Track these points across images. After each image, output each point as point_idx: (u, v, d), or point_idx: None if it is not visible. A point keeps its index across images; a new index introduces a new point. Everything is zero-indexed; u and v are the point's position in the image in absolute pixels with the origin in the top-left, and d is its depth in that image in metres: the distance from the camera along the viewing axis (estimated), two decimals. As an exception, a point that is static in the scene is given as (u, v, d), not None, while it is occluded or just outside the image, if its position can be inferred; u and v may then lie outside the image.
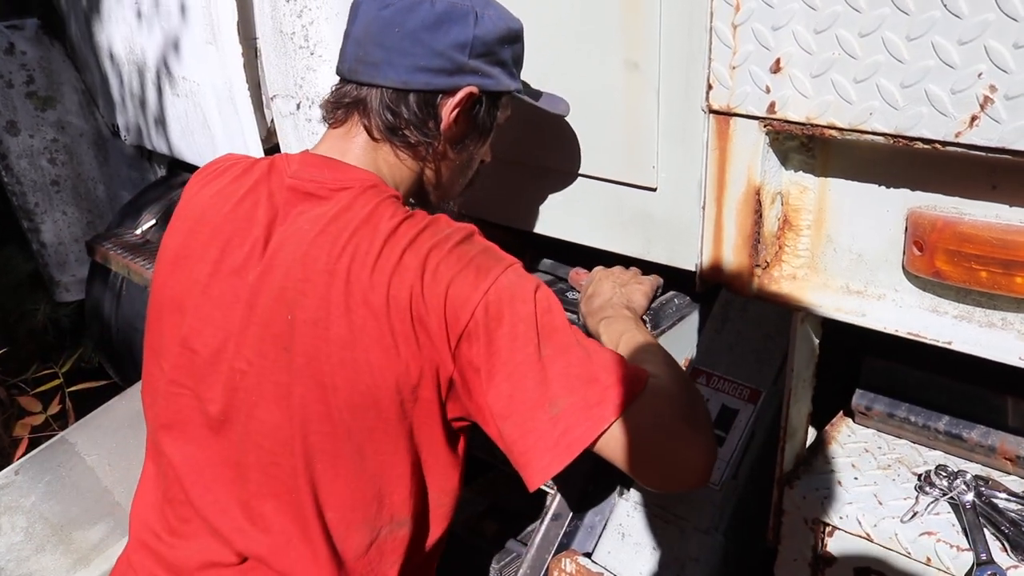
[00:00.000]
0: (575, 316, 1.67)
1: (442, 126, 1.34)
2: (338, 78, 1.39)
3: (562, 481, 1.79)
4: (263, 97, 2.35)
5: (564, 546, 1.74)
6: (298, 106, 2.25)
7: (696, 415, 1.25)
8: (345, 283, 1.20)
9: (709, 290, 1.61)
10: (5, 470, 2.49)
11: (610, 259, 1.84)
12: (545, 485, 1.92)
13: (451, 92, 1.32)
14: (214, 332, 1.29)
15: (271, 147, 2.38)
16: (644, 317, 1.67)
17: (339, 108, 1.36)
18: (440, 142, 1.36)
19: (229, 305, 1.28)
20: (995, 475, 1.34)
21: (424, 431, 1.26)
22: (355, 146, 1.34)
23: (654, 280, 1.73)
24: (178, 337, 1.32)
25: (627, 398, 1.16)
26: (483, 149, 1.47)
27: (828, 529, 1.32)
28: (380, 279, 1.19)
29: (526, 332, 1.18)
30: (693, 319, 1.83)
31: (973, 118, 1.02)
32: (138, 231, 3.09)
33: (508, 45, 1.39)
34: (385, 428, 1.23)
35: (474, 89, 1.33)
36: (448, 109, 1.33)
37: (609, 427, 1.15)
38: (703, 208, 1.30)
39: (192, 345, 1.31)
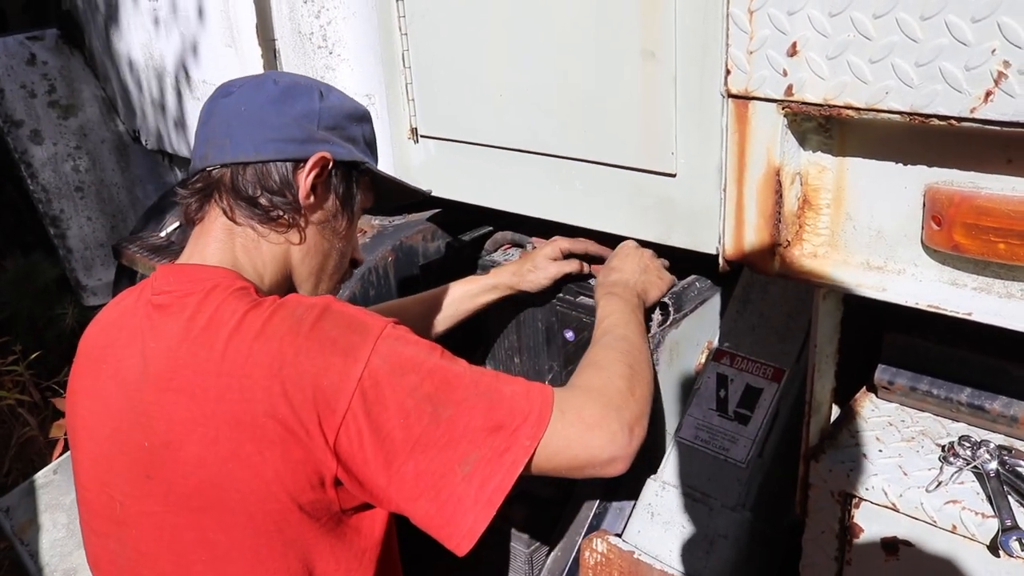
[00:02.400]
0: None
1: (300, 195, 1.29)
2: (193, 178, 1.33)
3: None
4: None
5: (594, 527, 1.77)
6: (319, 105, 2.29)
7: (622, 415, 1.26)
8: (189, 398, 1.13)
9: (731, 273, 1.64)
10: (44, 470, 2.55)
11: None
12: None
13: (303, 161, 1.29)
14: (92, 468, 1.25)
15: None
16: (660, 311, 1.71)
17: (193, 198, 1.30)
18: (301, 215, 1.31)
19: (102, 439, 1.23)
20: (1018, 444, 1.36)
21: (316, 537, 1.18)
22: (212, 239, 1.28)
23: (671, 280, 1.78)
24: (77, 478, 1.30)
25: (536, 432, 1.15)
26: (352, 231, 1.42)
27: (855, 501, 1.35)
28: (228, 384, 1.11)
29: (417, 405, 1.11)
30: (715, 302, 1.86)
31: (988, 93, 1.04)
32: (162, 233, 3.14)
33: (357, 123, 1.38)
34: (270, 545, 1.16)
35: (326, 154, 1.29)
36: (303, 175, 1.28)
37: (525, 465, 1.14)
38: (724, 190, 1.33)
39: (82, 481, 1.28)
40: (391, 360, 1.12)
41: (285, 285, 1.34)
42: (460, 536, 1.12)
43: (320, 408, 1.09)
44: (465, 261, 2.21)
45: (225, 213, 1.28)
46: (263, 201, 1.27)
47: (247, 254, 1.29)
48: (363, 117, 1.41)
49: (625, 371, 1.36)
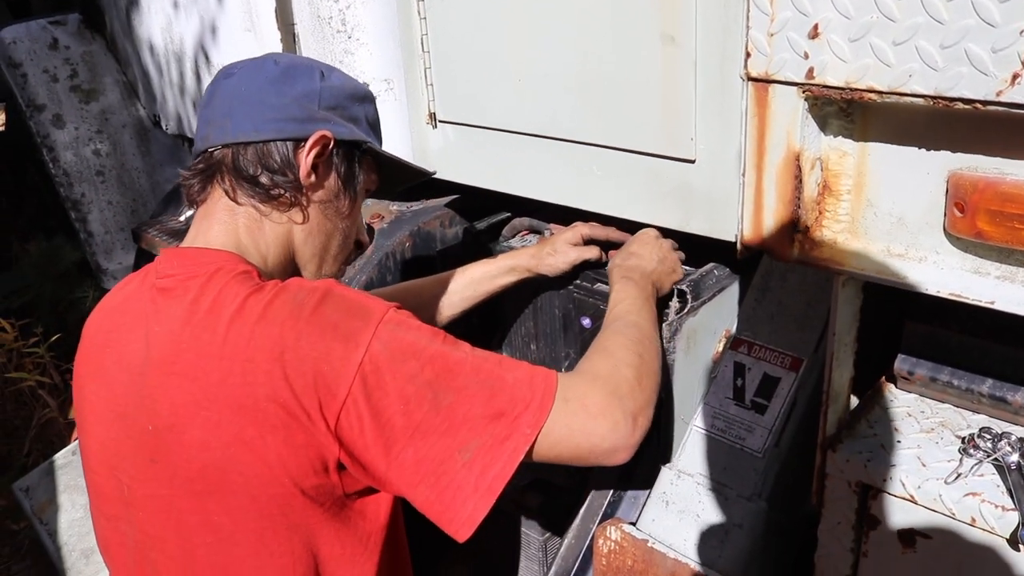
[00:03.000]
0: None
1: (301, 174, 1.27)
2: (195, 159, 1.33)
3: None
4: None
5: (608, 515, 1.76)
6: (337, 90, 2.29)
7: (625, 404, 1.24)
8: (192, 381, 1.13)
9: (749, 260, 1.62)
10: (63, 451, 2.57)
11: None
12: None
13: (304, 140, 1.27)
14: (100, 452, 1.26)
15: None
16: (678, 298, 1.71)
17: (196, 179, 1.29)
18: (303, 194, 1.30)
19: (108, 423, 1.23)
20: (1040, 437, 1.34)
21: (321, 521, 1.19)
22: (215, 221, 1.28)
23: (680, 274, 1.77)
24: (85, 462, 1.31)
25: (537, 420, 1.14)
26: (355, 213, 1.40)
27: (872, 492, 1.33)
28: (230, 368, 1.11)
29: (418, 392, 1.11)
30: (733, 290, 1.84)
31: (1015, 76, 1.02)
32: (181, 218, 3.15)
33: (359, 103, 1.37)
34: (274, 529, 1.16)
35: (327, 133, 1.28)
36: (304, 155, 1.27)
37: (527, 453, 1.13)
38: (743, 175, 1.32)
39: (91, 465, 1.29)
40: (392, 346, 1.12)
41: (288, 267, 1.34)
42: (460, 523, 1.12)
43: (321, 393, 1.09)
44: (482, 247, 2.20)
45: (227, 193, 1.27)
46: (264, 180, 1.26)
47: (250, 235, 1.28)
48: (365, 97, 1.40)
49: (634, 359, 1.34)
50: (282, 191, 1.28)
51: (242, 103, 1.26)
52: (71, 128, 3.47)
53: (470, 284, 1.87)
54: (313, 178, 1.29)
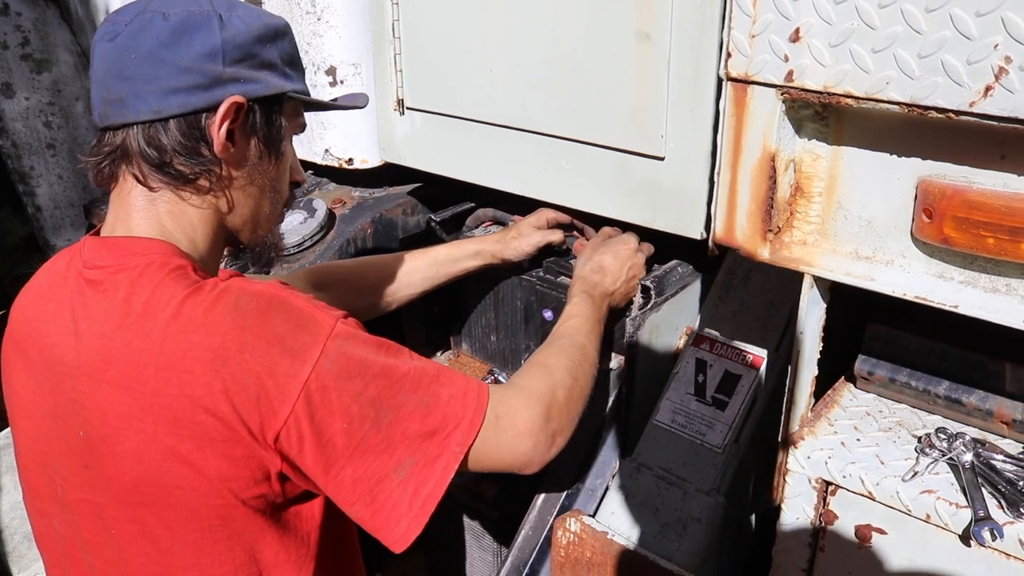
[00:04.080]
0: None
1: (216, 148, 1.16)
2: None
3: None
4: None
5: (566, 508, 1.77)
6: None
7: (551, 425, 1.27)
8: (125, 390, 1.06)
9: (712, 259, 1.65)
10: (5, 431, 2.50)
11: (613, 225, 1.87)
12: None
13: (213, 109, 1.14)
14: (32, 446, 1.21)
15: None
16: (642, 293, 1.73)
17: (103, 163, 1.17)
18: (221, 167, 1.18)
19: (39, 418, 1.17)
20: (992, 438, 1.39)
21: (262, 528, 1.16)
22: (134, 208, 1.17)
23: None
24: (17, 455, 1.26)
25: (466, 438, 1.15)
26: (283, 165, 1.29)
27: (831, 488, 1.36)
28: (166, 379, 1.05)
29: (361, 410, 1.08)
30: (696, 287, 1.86)
31: (987, 88, 1.05)
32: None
33: (270, 43, 1.21)
34: (214, 539, 1.13)
35: (239, 99, 1.15)
36: (215, 128, 1.14)
37: (459, 466, 1.14)
38: (718, 174, 1.33)
39: (23, 460, 1.24)
40: (339, 363, 1.08)
41: (221, 242, 1.26)
42: (395, 539, 1.12)
43: (263, 408, 1.04)
44: (445, 237, 2.20)
45: (138, 180, 1.16)
46: (177, 164, 1.15)
47: (174, 219, 1.18)
48: (277, 33, 1.23)
49: (569, 381, 1.37)
50: (198, 171, 1.17)
51: (134, 74, 1.11)
52: (21, 98, 3.37)
53: (433, 264, 1.86)
54: (231, 149, 1.18)
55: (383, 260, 1.87)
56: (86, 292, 1.13)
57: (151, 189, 1.16)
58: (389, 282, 1.81)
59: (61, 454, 1.16)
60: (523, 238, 1.87)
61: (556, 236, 1.89)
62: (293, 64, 1.27)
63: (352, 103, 1.42)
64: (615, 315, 1.76)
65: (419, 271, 1.85)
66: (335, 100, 1.42)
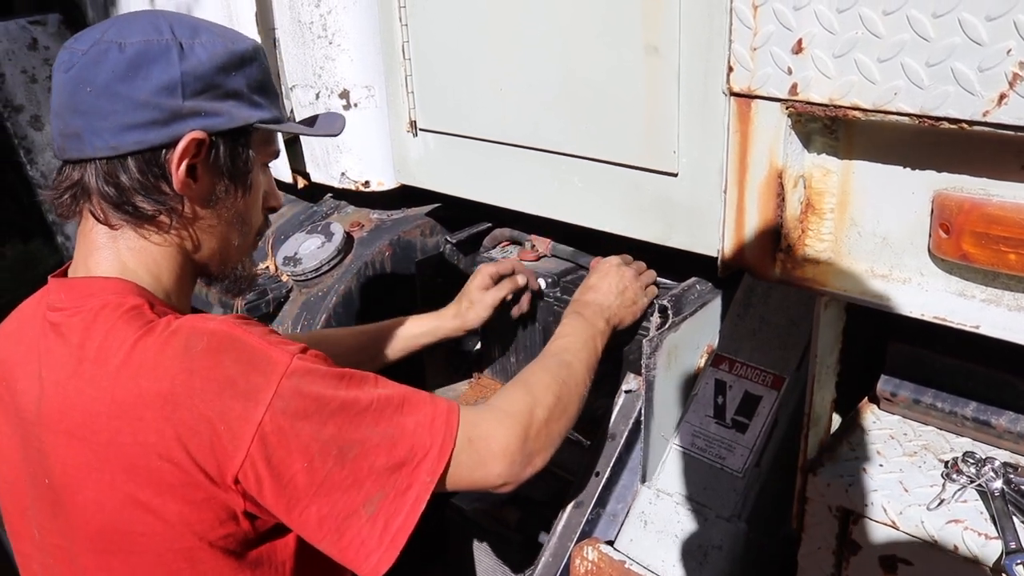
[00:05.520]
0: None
1: (176, 186, 1.11)
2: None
3: (584, 469, 1.79)
4: (282, 87, 2.35)
5: (586, 534, 1.73)
6: (317, 96, 2.25)
7: (528, 445, 1.23)
8: (81, 441, 1.05)
9: (731, 276, 1.60)
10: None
11: (630, 247, 1.83)
12: (567, 472, 1.92)
13: (173, 145, 1.10)
14: (10, 490, 1.20)
15: (289, 138, 2.38)
16: (659, 313, 1.68)
17: (63, 196, 1.14)
18: (184, 204, 1.14)
19: (14, 463, 1.16)
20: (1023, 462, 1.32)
21: (233, 567, 1.13)
22: (94, 247, 1.14)
23: (652, 294, 1.76)
24: (1, 501, 1.25)
25: (436, 467, 1.11)
26: (253, 196, 1.24)
27: (853, 516, 1.31)
28: (119, 427, 1.02)
29: (322, 448, 1.04)
30: (715, 305, 1.81)
31: (1001, 96, 1.00)
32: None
33: (236, 71, 1.15)
34: None
35: (199, 134, 1.10)
36: (174, 165, 1.10)
37: (432, 492, 1.11)
38: (724, 192, 1.29)
39: (3, 502, 1.23)
40: (294, 402, 1.03)
41: (189, 276, 1.23)
42: (365, 573, 1.08)
43: (218, 454, 1.01)
44: (463, 257, 2.18)
45: (97, 217, 1.12)
46: (136, 201, 1.11)
47: (135, 257, 1.15)
48: (243, 59, 1.17)
49: (551, 401, 1.32)
50: (160, 209, 1.13)
51: (90, 108, 1.08)
52: (49, 130, 3.42)
53: (394, 341, 1.81)
54: (193, 185, 1.14)
55: (337, 336, 1.85)
56: (49, 336, 1.12)
57: (112, 227, 1.13)
58: (343, 359, 1.76)
59: (35, 500, 1.14)
60: (476, 305, 1.82)
61: (505, 290, 1.83)
62: (263, 90, 1.21)
63: (328, 130, 1.35)
64: (626, 336, 1.71)
65: (378, 347, 1.80)
66: (313, 119, 1.37)
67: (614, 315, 1.66)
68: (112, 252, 1.14)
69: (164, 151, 1.10)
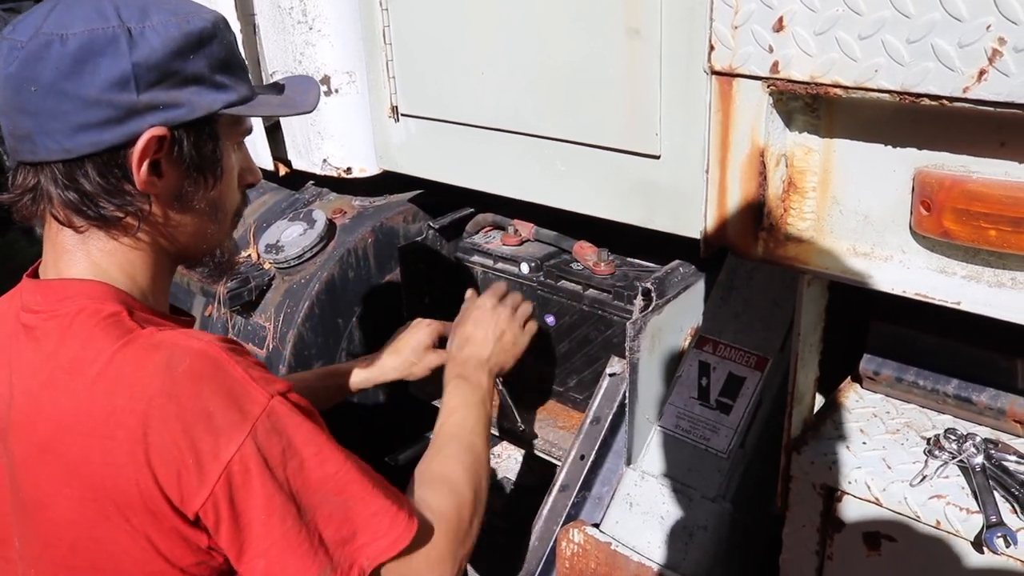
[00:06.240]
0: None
1: (139, 185, 1.05)
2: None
3: (568, 453, 1.79)
4: (262, 74, 2.33)
5: (572, 517, 1.74)
6: (297, 81, 2.23)
7: (460, 550, 1.20)
8: (53, 455, 1.01)
9: (714, 258, 1.60)
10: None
11: (612, 228, 1.83)
12: (552, 456, 1.92)
13: (132, 143, 1.02)
14: None
15: (271, 125, 2.36)
16: (643, 296, 1.67)
17: (23, 199, 1.06)
18: (151, 203, 1.07)
19: None
20: (1005, 438, 1.33)
21: None
22: (63, 251, 1.08)
23: (531, 331, 1.71)
24: None
25: (387, 553, 1.06)
26: (226, 181, 1.16)
27: (837, 494, 1.31)
28: (90, 445, 0.99)
29: (283, 504, 1.00)
30: (699, 287, 1.81)
31: (981, 72, 1.00)
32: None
33: (194, 54, 1.05)
34: None
35: (158, 131, 1.03)
36: (135, 164, 1.03)
37: None
38: (707, 171, 1.29)
39: None
40: (267, 447, 1.00)
41: (167, 270, 1.17)
42: None
43: (183, 485, 0.98)
44: (446, 243, 2.17)
45: (59, 220, 1.06)
46: (99, 203, 1.04)
47: (108, 258, 1.09)
48: (201, 39, 1.07)
49: (470, 496, 1.28)
50: (125, 211, 1.06)
51: (38, 109, 1.00)
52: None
53: (340, 388, 1.78)
54: (158, 183, 1.07)
55: (302, 379, 1.81)
56: (21, 338, 1.08)
57: (77, 230, 1.07)
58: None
59: (10, 510, 1.11)
60: (422, 363, 1.77)
61: (443, 358, 1.72)
62: (227, 68, 1.11)
63: (303, 104, 1.23)
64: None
65: (327, 390, 1.76)
66: (280, 85, 1.26)
67: (495, 364, 1.63)
68: (83, 254, 1.08)
69: (123, 150, 1.03)
